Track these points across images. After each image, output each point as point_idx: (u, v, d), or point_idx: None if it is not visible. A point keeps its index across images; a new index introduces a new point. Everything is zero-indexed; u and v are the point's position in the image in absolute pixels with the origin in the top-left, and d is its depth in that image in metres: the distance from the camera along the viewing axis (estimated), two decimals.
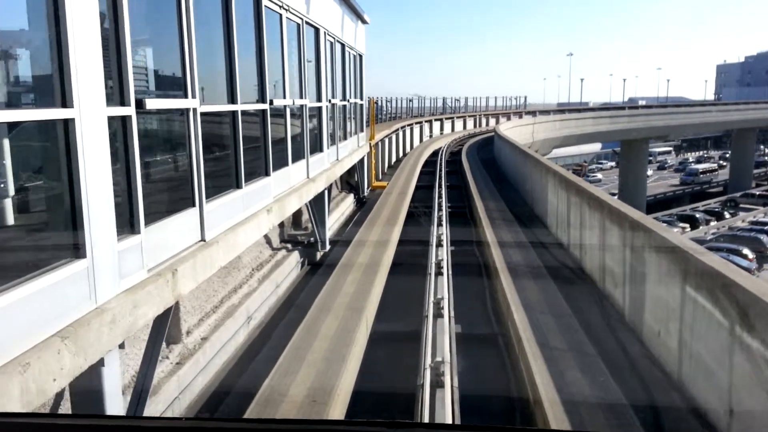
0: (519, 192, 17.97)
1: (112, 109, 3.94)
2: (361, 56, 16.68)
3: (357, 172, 17.01)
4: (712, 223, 56.78)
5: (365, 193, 17.67)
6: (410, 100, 41.31)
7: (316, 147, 10.66)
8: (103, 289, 3.77)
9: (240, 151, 6.23)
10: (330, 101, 11.75)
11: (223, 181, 6.14)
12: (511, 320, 7.11)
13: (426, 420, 4.57)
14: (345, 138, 13.93)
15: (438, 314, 6.93)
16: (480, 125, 50.12)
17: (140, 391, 4.56)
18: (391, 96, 38.66)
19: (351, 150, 14.89)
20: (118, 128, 4.10)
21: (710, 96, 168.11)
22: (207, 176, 5.43)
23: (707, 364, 5.00)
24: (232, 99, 6.15)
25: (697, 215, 60.18)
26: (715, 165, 78.99)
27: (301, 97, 9.36)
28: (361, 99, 16.90)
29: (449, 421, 4.71)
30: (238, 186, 6.25)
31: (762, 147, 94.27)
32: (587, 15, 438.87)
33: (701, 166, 76.65)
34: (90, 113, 3.66)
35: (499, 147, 29.12)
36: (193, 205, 5.21)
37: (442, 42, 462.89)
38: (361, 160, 16.97)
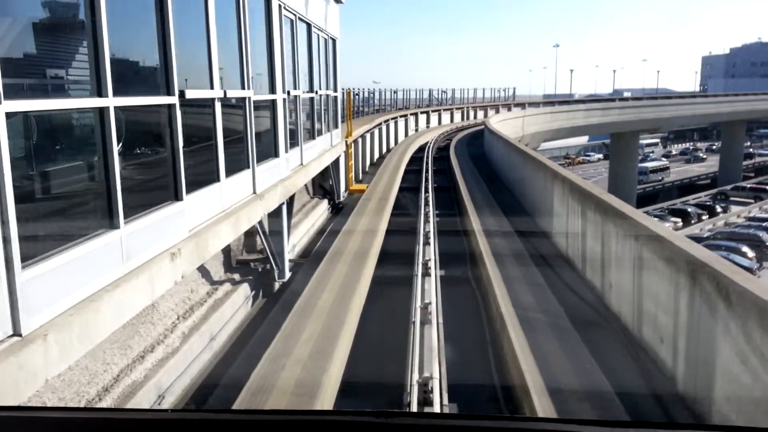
0: (515, 195, 15.84)
1: None
2: (334, 40, 14.37)
3: (331, 174, 14.74)
4: (704, 218, 55.70)
5: (341, 198, 15.42)
6: (394, 92, 39.04)
7: (270, 151, 8.39)
8: None
9: (115, 172, 3.94)
10: (289, 93, 9.46)
11: (87, 220, 3.87)
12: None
13: None
14: (313, 137, 11.67)
15: (425, 401, 4.76)
16: (468, 118, 47.95)
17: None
18: (374, 87, 36.37)
19: (321, 150, 12.64)
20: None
21: (697, 87, 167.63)
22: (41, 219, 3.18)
23: None
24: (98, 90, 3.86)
25: (689, 209, 59.01)
26: (666, 163, 75.77)
27: (243, 88, 7.07)
28: (335, 90, 14.62)
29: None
30: (113, 226, 3.98)
31: (749, 139, 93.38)
32: (573, 6, 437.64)
33: (651, 165, 73.81)
34: None
35: (490, 143, 26.96)
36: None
37: (426, 32, 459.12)
38: (336, 161, 14.71)
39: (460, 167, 21.59)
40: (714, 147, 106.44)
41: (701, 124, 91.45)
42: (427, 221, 11.98)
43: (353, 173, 18.09)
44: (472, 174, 20.25)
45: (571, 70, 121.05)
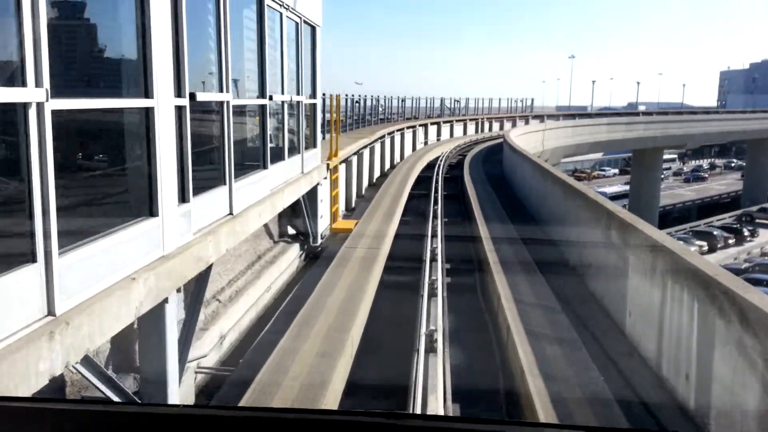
0: (555, 241, 11.87)
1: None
2: (313, 28, 10.47)
3: (305, 210, 10.81)
4: (731, 242, 52.26)
5: (319, 240, 11.47)
6: (402, 100, 35.17)
7: (141, 204, 4.51)
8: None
9: None
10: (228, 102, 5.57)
11: None
12: None
13: None
14: (265, 165, 7.73)
15: None
16: (482, 130, 43.99)
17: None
18: (379, 95, 32.51)
19: (285, 181, 8.74)
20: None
21: (714, 103, 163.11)
22: None
23: None
24: None
25: (715, 232, 55.29)
26: (626, 188, 70.04)
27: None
28: (314, 95, 10.73)
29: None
30: None
31: None
32: (587, 17, 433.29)
33: (610, 190, 67.97)
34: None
35: (511, 162, 22.99)
36: None
37: (437, 41, 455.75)
38: (312, 192, 10.78)
39: (477, 195, 17.64)
40: (733, 164, 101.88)
41: (724, 141, 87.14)
42: (433, 292, 8.01)
43: (340, 204, 14.12)
44: (492, 205, 16.26)
45: (593, 81, 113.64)
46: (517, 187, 19.57)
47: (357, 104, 25.86)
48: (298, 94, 9.98)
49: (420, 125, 32.30)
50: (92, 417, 1.32)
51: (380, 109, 32.92)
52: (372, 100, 28.35)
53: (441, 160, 25.97)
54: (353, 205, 16.75)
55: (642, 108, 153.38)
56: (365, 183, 19.34)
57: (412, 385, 5.31)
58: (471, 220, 14.05)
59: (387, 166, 24.11)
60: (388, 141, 24.70)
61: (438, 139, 35.82)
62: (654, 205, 63.46)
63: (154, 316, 4.58)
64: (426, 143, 33.15)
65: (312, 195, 10.88)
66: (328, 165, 11.52)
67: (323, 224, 11.82)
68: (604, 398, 5.31)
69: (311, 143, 10.77)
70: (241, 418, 1.36)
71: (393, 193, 16.70)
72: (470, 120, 41.99)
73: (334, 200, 12.53)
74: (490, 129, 45.43)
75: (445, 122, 37.27)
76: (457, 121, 39.55)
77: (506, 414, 5.36)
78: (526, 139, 32.84)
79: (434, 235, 11.69)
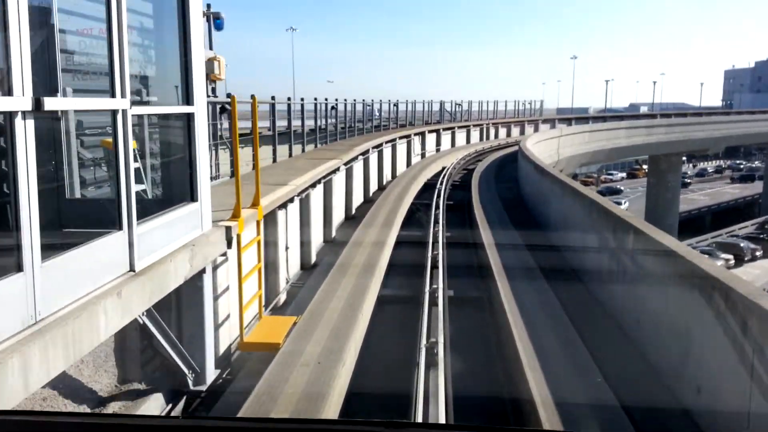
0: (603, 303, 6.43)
1: None
2: None
3: (161, 336, 5.29)
4: (758, 254, 47.82)
5: (209, 378, 5.97)
6: (395, 105, 29.70)
7: None
8: None
9: None
10: None
11: None
12: None
13: None
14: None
15: None
16: (487, 137, 38.52)
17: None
18: (370, 99, 27.08)
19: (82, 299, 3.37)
20: None
21: (719, 103, 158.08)
22: None
23: None
24: None
25: (741, 244, 50.37)
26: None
27: None
28: (188, 101, 5.30)
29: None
30: None
31: None
32: (586, 18, 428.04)
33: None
34: None
35: (531, 181, 17.59)
36: None
37: (430, 41, 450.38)
38: (177, 294, 5.32)
39: (494, 235, 12.16)
40: (741, 166, 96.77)
41: (749, 143, 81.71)
42: None
43: (264, 293, 8.52)
44: (526, 271, 10.60)
45: (607, 81, 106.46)
46: (541, 214, 14.11)
47: (334, 110, 20.36)
48: (141, 95, 4.60)
49: (416, 134, 26.89)
50: (92, 431, 1.26)
51: (375, 114, 27.48)
52: (351, 105, 22.97)
53: (442, 181, 20.51)
54: (299, 275, 11.21)
55: (643, 109, 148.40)
56: (335, 223, 13.86)
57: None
58: (493, 301, 8.68)
59: (371, 190, 18.69)
60: (374, 157, 19.27)
61: (437, 149, 30.38)
62: (674, 215, 58.16)
63: None
64: (423, 155, 27.71)
65: (195, 292, 5.46)
66: (229, 229, 6.03)
67: (226, 338, 6.34)
68: None
69: (184, 193, 5.35)
70: (239, 428, 1.33)
71: (371, 242, 11.27)
72: (474, 126, 36.49)
73: (253, 289, 7.00)
74: (496, 136, 39.97)
75: (445, 129, 31.82)
76: (459, 128, 34.06)
77: None
78: (540, 147, 27.58)
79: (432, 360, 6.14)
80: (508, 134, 41.51)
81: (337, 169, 13.78)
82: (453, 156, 28.45)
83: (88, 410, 4.39)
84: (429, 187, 19.69)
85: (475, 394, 6.04)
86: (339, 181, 14.30)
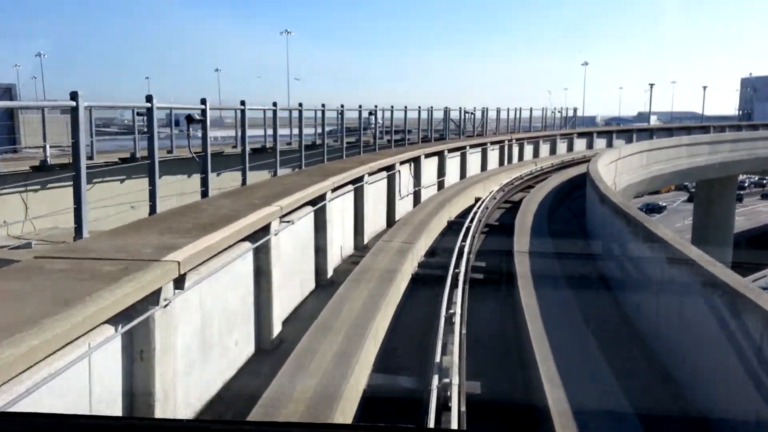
0: None
1: None
2: None
3: None
4: None
5: None
6: (370, 113, 18.82)
7: None
8: None
9: None
10: None
11: None
12: None
13: None
14: None
15: None
16: (510, 160, 27.47)
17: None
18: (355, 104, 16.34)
19: None
20: None
21: (735, 111, 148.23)
22: None
23: None
24: None
25: None
26: None
27: None
28: None
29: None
30: None
31: None
32: (593, 26, 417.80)
33: None
34: None
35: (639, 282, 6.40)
36: None
37: (427, 46, 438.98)
38: None
39: None
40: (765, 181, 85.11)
41: None
42: None
43: None
44: None
45: (652, 85, 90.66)
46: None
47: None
48: None
49: (403, 162, 15.92)
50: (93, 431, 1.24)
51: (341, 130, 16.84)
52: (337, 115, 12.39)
53: (455, 259, 9.46)
54: None
55: (653, 118, 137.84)
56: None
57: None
58: None
59: (303, 294, 7.77)
60: (325, 217, 8.37)
61: (440, 183, 19.38)
62: (727, 249, 46.99)
63: None
64: (417, 194, 16.75)
65: None
66: None
67: None
68: None
69: None
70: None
71: None
72: (491, 145, 25.41)
73: None
74: (521, 158, 28.92)
75: (452, 151, 20.83)
76: (471, 147, 23.02)
77: None
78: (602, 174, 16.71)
79: None
80: (536, 154, 30.52)
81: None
82: (462, 199, 17.37)
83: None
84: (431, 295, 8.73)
85: None
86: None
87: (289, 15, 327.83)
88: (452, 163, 21.08)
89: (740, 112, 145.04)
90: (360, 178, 12.13)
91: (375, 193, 13.75)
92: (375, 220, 13.70)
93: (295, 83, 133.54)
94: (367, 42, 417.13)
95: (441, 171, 19.82)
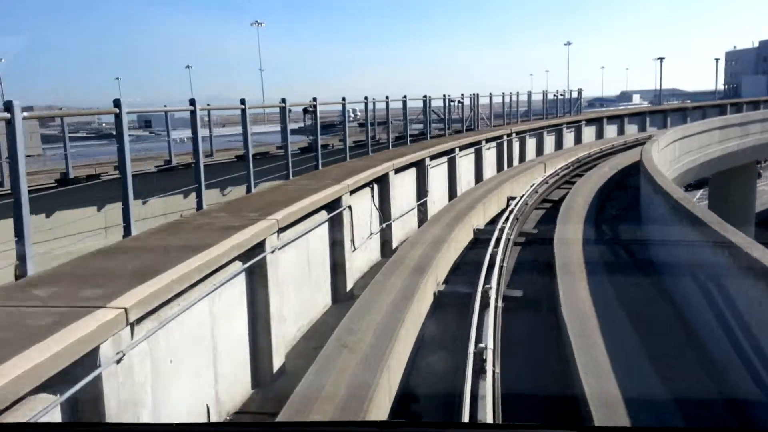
0: None
1: None
2: None
3: None
4: None
5: None
6: (354, 113, 12.60)
7: None
8: None
9: None
10: None
11: None
12: None
13: None
14: None
15: None
16: (511, 161, 21.20)
17: None
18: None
19: None
20: None
21: (720, 87, 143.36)
22: None
23: None
24: None
25: None
26: None
27: None
28: None
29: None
30: None
31: None
32: (572, 6, 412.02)
33: None
34: None
35: None
36: None
37: (411, 37, 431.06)
38: None
39: None
40: None
41: None
42: None
43: None
44: None
45: (661, 59, 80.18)
46: None
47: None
48: None
49: (355, 190, 9.65)
50: None
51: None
52: None
53: None
54: None
55: (637, 97, 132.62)
56: None
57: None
58: None
59: None
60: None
61: (421, 211, 13.18)
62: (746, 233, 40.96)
63: None
64: (385, 236, 10.53)
65: None
66: None
67: None
68: None
69: None
70: None
71: None
72: (487, 142, 19.14)
73: None
74: (522, 158, 22.63)
75: (434, 158, 14.60)
76: (461, 149, 16.77)
77: None
78: None
79: None
80: (539, 152, 24.31)
81: None
82: (453, 250, 11.16)
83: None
84: None
85: None
86: None
87: (260, 6, 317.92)
88: (437, 171, 14.80)
89: (726, 87, 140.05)
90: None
91: (317, 247, 7.55)
92: (303, 324, 7.46)
93: (265, 75, 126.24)
94: (334, 31, 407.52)
95: (420, 189, 13.53)
